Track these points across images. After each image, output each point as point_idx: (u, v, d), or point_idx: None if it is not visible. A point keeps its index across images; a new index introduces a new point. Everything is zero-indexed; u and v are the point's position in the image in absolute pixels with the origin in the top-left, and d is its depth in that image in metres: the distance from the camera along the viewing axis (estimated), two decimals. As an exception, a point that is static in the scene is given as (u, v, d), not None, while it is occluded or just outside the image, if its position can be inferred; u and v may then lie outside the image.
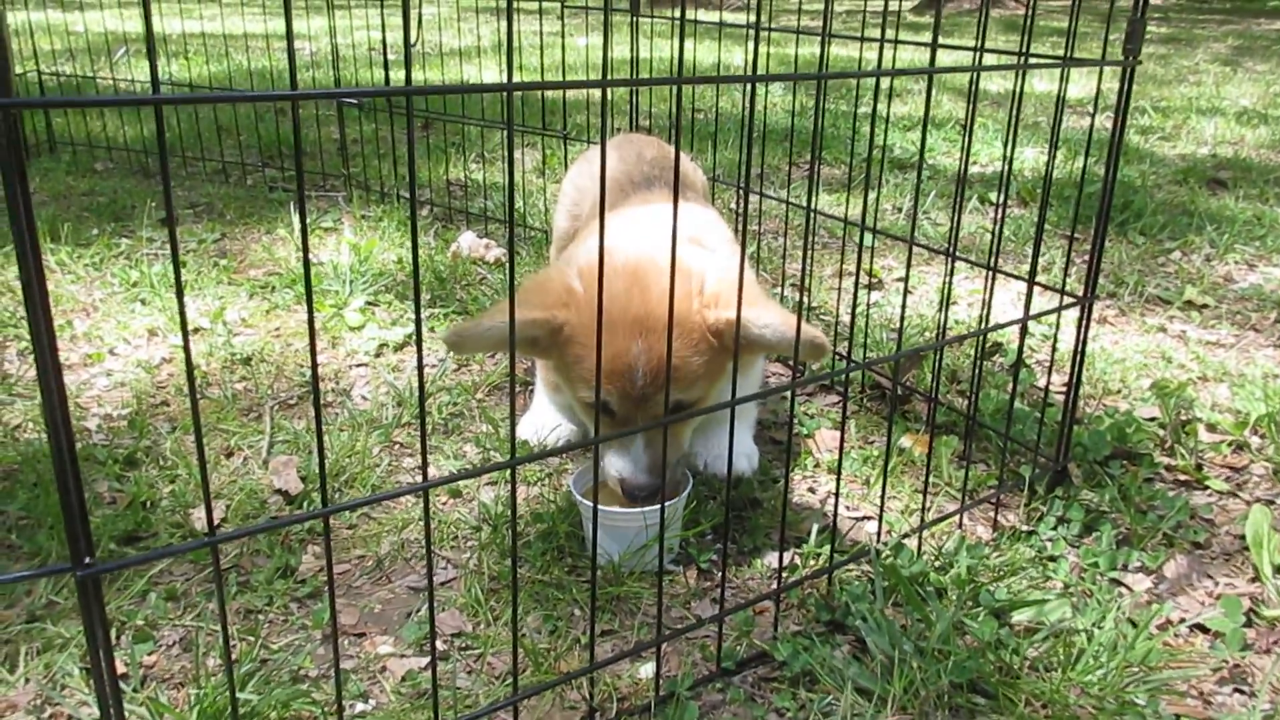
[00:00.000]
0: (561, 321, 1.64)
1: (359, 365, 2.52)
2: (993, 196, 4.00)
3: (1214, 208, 3.98)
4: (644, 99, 4.37)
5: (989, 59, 5.31)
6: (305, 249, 0.96)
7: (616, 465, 1.66)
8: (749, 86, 1.16)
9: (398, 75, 4.72)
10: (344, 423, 2.22)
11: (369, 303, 2.85)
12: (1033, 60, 1.73)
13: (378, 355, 2.57)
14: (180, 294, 0.95)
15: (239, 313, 2.79)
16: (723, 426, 2.05)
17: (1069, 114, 5.97)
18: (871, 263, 2.71)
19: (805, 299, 2.45)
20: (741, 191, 2.45)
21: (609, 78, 1.11)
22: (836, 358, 2.49)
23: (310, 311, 1.00)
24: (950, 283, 1.77)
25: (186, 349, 0.96)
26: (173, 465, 2.03)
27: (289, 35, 0.98)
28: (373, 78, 5.85)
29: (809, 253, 2.62)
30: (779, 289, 2.81)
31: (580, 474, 1.81)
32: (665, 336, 1.55)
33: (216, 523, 1.86)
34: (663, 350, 1.57)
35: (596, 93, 5.52)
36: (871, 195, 4.00)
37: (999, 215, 1.73)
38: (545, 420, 2.16)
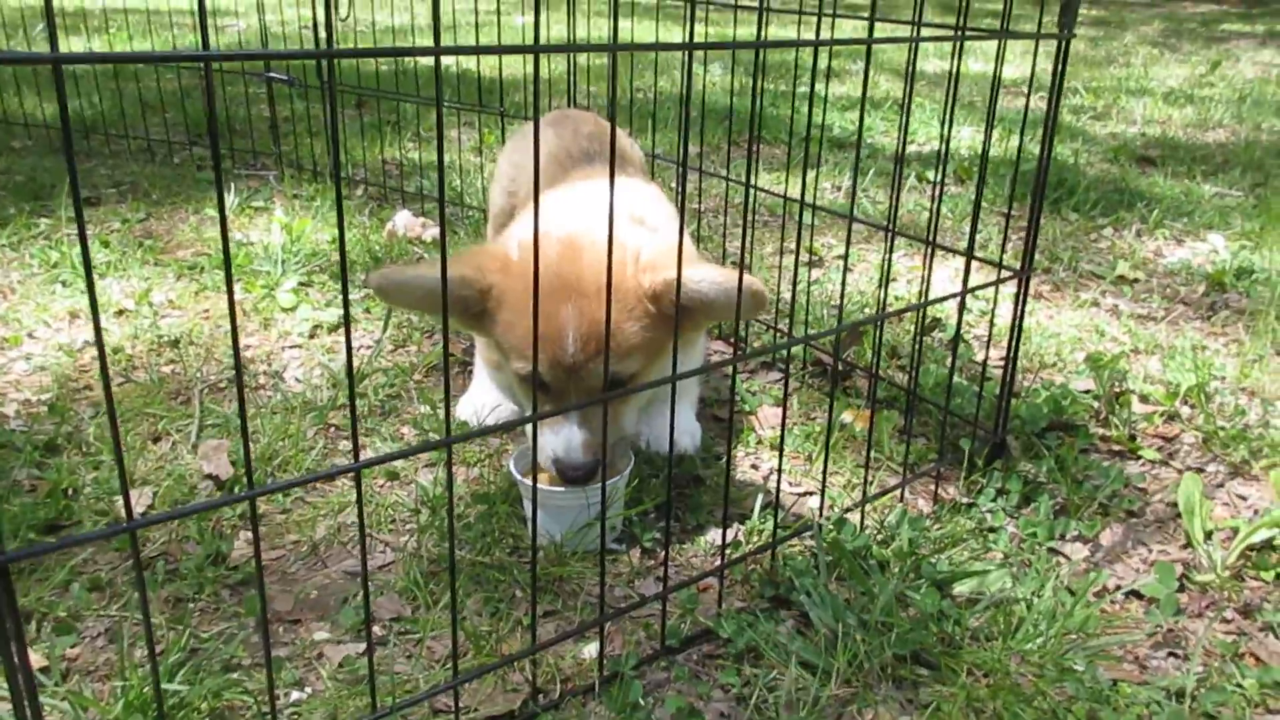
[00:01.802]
0: (490, 284, 1.61)
1: (292, 347, 2.46)
2: (930, 175, 4.03)
3: (1143, 185, 4.06)
4: (581, 79, 4.32)
5: (926, 33, 5.34)
6: (221, 202, 0.91)
7: (551, 444, 1.62)
8: (687, 58, 1.13)
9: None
10: (276, 405, 2.16)
11: (302, 283, 2.78)
12: (969, 32, 1.73)
13: (311, 336, 2.51)
14: (89, 268, 0.90)
15: (166, 294, 2.70)
16: (665, 403, 2.03)
17: (1004, 95, 6.04)
18: (811, 240, 2.71)
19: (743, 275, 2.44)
20: (681, 169, 2.44)
21: (541, 44, 1.07)
22: (777, 334, 2.48)
23: (230, 285, 0.95)
24: (890, 258, 1.77)
25: (97, 326, 0.91)
26: (96, 451, 1.96)
27: (205, -6, 0.93)
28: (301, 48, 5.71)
29: (749, 230, 2.60)
30: (722, 262, 2.79)
31: (520, 453, 1.78)
32: (598, 302, 1.53)
33: (143, 510, 1.80)
34: (595, 315, 1.54)
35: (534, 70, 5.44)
36: (810, 174, 4.00)
37: (936, 191, 1.73)
38: (485, 400, 2.12)
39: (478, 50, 1.06)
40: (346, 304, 1.04)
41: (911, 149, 4.62)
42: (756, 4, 1.54)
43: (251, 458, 1.03)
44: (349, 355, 1.04)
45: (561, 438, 1.61)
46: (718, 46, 1.23)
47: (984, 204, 3.75)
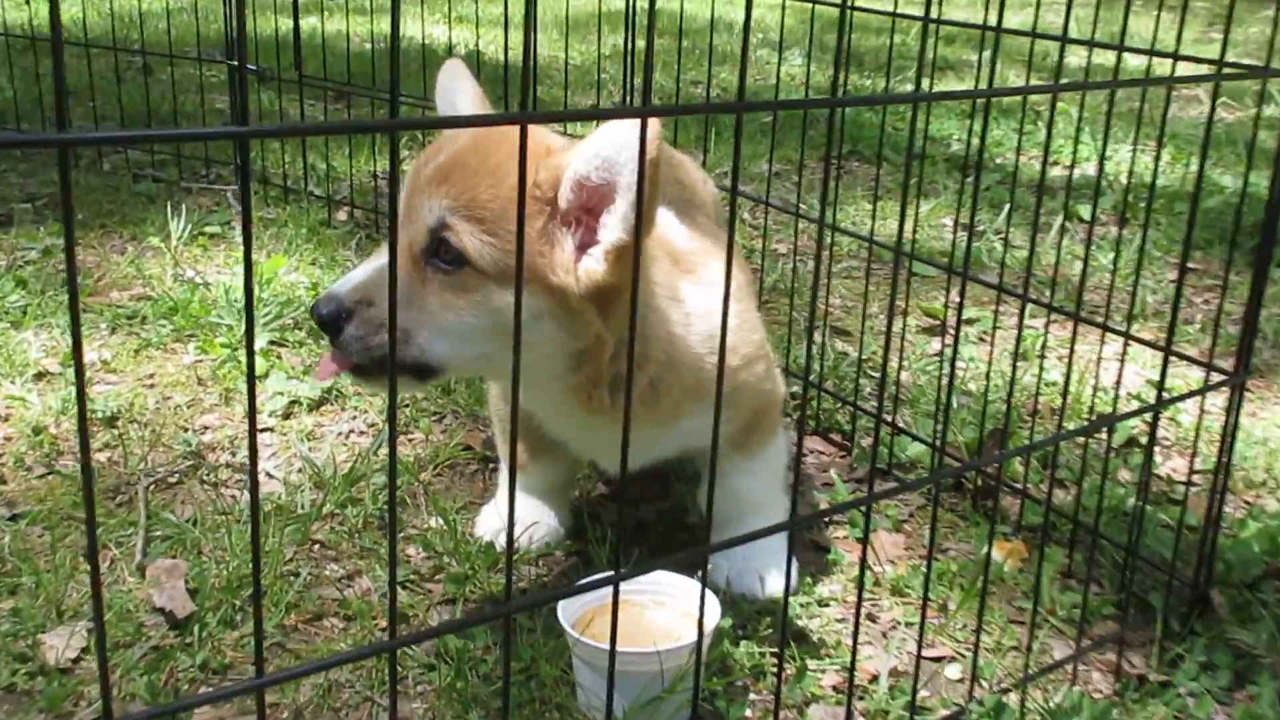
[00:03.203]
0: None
1: (262, 430, 2.46)
2: (1083, 211, 4.02)
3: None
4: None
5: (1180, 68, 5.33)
6: (248, 268, 0.91)
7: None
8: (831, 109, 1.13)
9: (308, 25, 4.66)
10: (244, 512, 2.16)
11: (273, 342, 2.80)
12: (1227, 70, 1.72)
13: (287, 416, 2.52)
14: (78, 339, 0.90)
15: (98, 351, 2.73)
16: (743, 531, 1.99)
17: (1174, 99, 6.03)
18: (956, 311, 2.70)
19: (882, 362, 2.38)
20: (820, 230, 2.41)
21: (646, 105, 1.07)
22: (891, 434, 2.46)
23: (251, 388, 0.95)
24: (1071, 353, 1.75)
25: (82, 412, 0.91)
26: (14, 571, 1.96)
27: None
28: (277, 27, 5.80)
29: (889, 300, 2.55)
30: (820, 334, 2.78)
31: (571, 598, 1.76)
32: (475, 160, 1.61)
33: (75, 655, 1.80)
34: (462, 165, 1.61)
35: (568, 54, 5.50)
36: (926, 206, 4.00)
37: (1117, 249, 1.71)
38: (516, 513, 2.11)
39: (569, 116, 1.06)
40: (393, 416, 1.04)
41: (1056, 172, 4.61)
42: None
43: (258, 637, 1.02)
44: (392, 485, 1.03)
45: (350, 274, 1.67)
46: (944, 97, 1.22)
47: (1156, 252, 3.74)
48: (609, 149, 1.52)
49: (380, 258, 1.67)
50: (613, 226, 1.57)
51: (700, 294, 1.85)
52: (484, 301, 1.61)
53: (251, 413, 0.95)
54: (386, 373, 1.61)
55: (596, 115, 1.02)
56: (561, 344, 1.68)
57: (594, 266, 1.60)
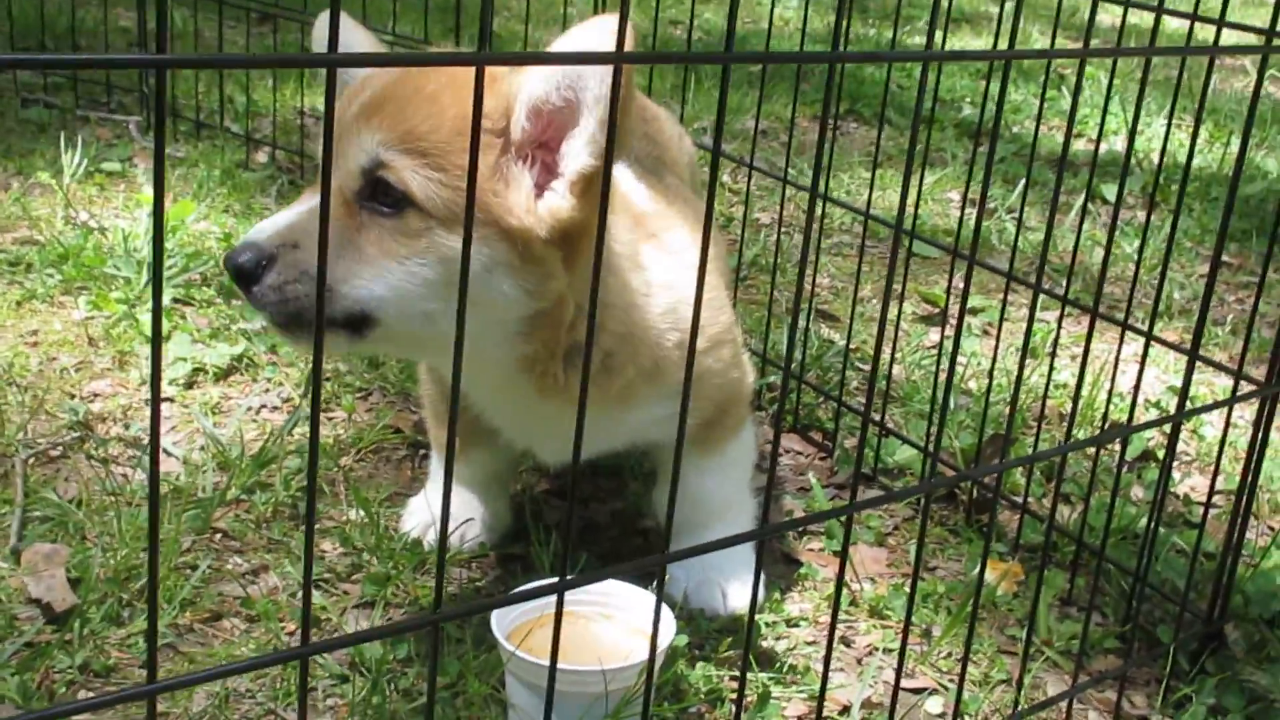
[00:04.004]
0: None
1: (162, 400, 2.47)
2: (1108, 192, 4.07)
3: None
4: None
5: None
6: (159, 219, 0.92)
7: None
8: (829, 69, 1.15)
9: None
10: (136, 493, 2.17)
11: (177, 300, 2.80)
12: (1278, 40, 1.74)
13: (190, 386, 2.52)
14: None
15: (-27, 303, 2.72)
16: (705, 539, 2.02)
17: (1217, 71, 6.11)
18: (959, 299, 2.74)
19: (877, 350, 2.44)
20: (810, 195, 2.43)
21: (626, 51, 1.09)
22: (879, 435, 2.49)
23: (156, 351, 0.96)
24: (1087, 347, 1.78)
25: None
26: None
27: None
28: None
29: (854, 275, 2.58)
30: (804, 318, 2.81)
31: (507, 606, 1.78)
32: (410, 87, 1.61)
33: (-64, 648, 1.80)
34: (393, 97, 1.62)
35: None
36: (931, 177, 4.03)
37: (1142, 236, 1.74)
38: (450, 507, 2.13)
39: (527, 59, 1.08)
40: (317, 386, 1.05)
41: (1080, 145, 4.66)
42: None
43: (152, 641, 1.03)
44: (311, 487, 1.05)
45: (271, 218, 1.65)
46: (884, 59, 1.25)
47: (1187, 243, 3.79)
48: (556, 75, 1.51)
49: (307, 201, 1.65)
50: (578, 152, 1.55)
51: (662, 262, 1.86)
52: (431, 248, 1.59)
53: (155, 378, 0.96)
54: (310, 326, 1.56)
55: (564, 59, 1.04)
56: (517, 304, 1.66)
57: (558, 202, 1.59)
